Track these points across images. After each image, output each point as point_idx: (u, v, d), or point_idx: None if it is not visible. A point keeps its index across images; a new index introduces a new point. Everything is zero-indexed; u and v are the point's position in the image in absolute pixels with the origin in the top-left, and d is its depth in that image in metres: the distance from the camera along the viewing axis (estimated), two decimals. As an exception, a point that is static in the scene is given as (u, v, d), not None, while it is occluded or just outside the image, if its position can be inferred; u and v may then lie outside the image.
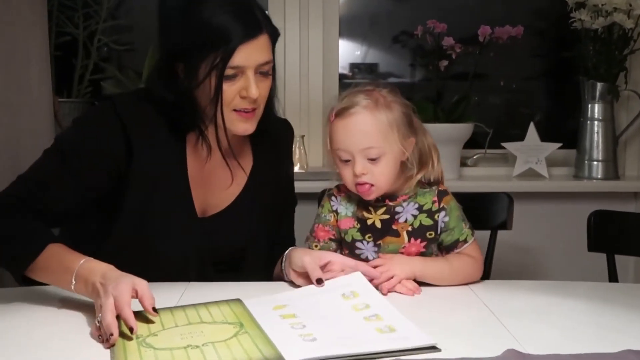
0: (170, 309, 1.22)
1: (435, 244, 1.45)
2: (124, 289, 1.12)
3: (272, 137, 1.54)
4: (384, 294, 1.34)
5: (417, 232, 1.42)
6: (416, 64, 2.60)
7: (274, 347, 1.03)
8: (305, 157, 2.33)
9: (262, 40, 1.34)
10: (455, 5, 2.56)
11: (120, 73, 2.33)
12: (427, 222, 1.43)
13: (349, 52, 2.60)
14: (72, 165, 1.35)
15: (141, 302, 1.13)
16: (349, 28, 2.56)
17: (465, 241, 1.43)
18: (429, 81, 2.49)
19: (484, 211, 1.86)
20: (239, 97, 1.35)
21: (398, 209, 1.43)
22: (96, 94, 2.37)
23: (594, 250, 1.79)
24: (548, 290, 1.42)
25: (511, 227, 1.86)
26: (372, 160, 1.38)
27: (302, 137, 2.34)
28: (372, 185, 1.39)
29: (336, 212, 1.47)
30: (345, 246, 1.47)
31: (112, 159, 1.37)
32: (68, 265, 1.22)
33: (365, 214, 1.44)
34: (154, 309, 1.13)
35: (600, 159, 2.35)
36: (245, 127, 1.39)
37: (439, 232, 1.43)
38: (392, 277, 1.35)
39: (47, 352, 1.07)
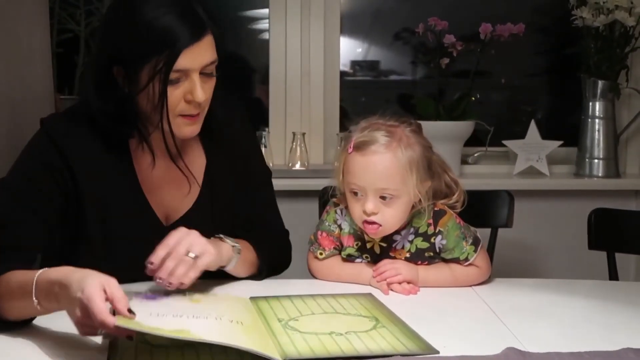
0: (300, 296, 1.28)
1: (437, 259, 1.44)
2: (93, 292, 1.00)
3: (220, 126, 1.46)
4: (386, 292, 1.35)
5: (415, 256, 1.41)
6: (417, 62, 2.60)
7: (419, 339, 1.07)
8: (306, 155, 2.33)
9: (207, 40, 1.27)
10: (456, 3, 2.56)
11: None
12: (424, 245, 1.41)
13: (350, 49, 2.60)
14: (26, 201, 1.29)
15: (113, 304, 1.01)
16: (351, 25, 2.56)
17: (466, 259, 1.40)
18: (430, 79, 2.49)
19: (484, 209, 1.86)
20: (184, 101, 1.29)
21: (396, 237, 1.41)
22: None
23: (595, 249, 1.79)
24: (548, 288, 1.42)
25: (512, 225, 1.86)
26: (385, 200, 1.33)
27: (303, 134, 2.34)
28: (380, 225, 1.35)
29: (340, 226, 1.45)
30: (343, 258, 1.47)
31: (59, 184, 1.31)
32: (25, 284, 1.10)
33: (366, 236, 1.42)
34: (130, 311, 1.01)
35: (601, 157, 2.35)
36: (191, 129, 1.33)
37: (437, 251, 1.42)
38: (397, 275, 1.36)
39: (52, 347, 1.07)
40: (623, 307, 1.30)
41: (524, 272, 2.36)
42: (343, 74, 2.54)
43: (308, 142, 2.36)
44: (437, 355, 1.02)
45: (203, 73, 1.29)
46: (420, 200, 1.37)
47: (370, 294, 1.31)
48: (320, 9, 2.42)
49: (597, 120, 2.34)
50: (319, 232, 1.47)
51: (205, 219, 1.44)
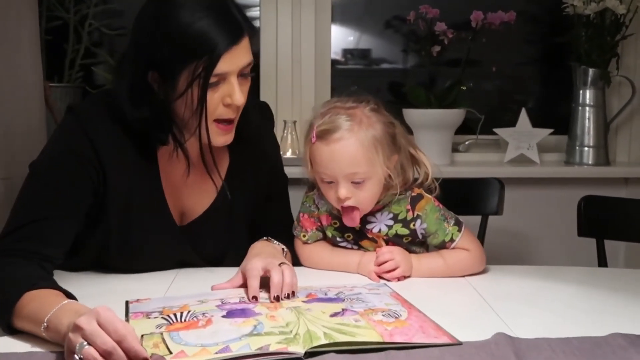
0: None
1: (416, 246, 1.44)
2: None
3: (250, 128, 1.45)
4: (376, 280, 1.35)
5: (393, 240, 1.42)
6: (409, 50, 2.60)
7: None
8: (298, 143, 2.33)
9: (245, 42, 1.26)
10: (447, -9, 2.56)
11: (111, 58, 2.31)
12: (403, 231, 1.41)
13: (341, 37, 2.59)
14: (58, 191, 1.28)
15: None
16: (342, 13, 2.55)
17: (452, 240, 1.41)
18: (421, 67, 2.49)
19: (475, 197, 1.87)
20: (222, 105, 1.28)
21: (370, 218, 1.42)
22: (87, 78, 2.36)
23: (584, 236, 1.80)
24: (538, 275, 1.43)
25: (502, 212, 1.87)
26: (357, 183, 1.34)
27: (294, 122, 2.34)
28: (356, 208, 1.36)
29: (317, 206, 1.47)
30: (328, 238, 1.48)
31: (91, 176, 1.31)
32: (40, 311, 1.03)
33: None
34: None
35: (591, 144, 2.35)
36: (225, 139, 1.33)
37: (419, 237, 1.42)
38: (396, 269, 1.36)
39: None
40: (612, 293, 1.31)
41: (514, 259, 2.38)
42: (334, 62, 2.53)
43: (299, 130, 2.36)
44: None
45: (240, 75, 1.28)
46: (390, 176, 1.37)
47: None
48: (312, -3, 2.41)
49: (587, 109, 2.35)
50: (301, 214, 1.49)
51: (222, 220, 1.44)
